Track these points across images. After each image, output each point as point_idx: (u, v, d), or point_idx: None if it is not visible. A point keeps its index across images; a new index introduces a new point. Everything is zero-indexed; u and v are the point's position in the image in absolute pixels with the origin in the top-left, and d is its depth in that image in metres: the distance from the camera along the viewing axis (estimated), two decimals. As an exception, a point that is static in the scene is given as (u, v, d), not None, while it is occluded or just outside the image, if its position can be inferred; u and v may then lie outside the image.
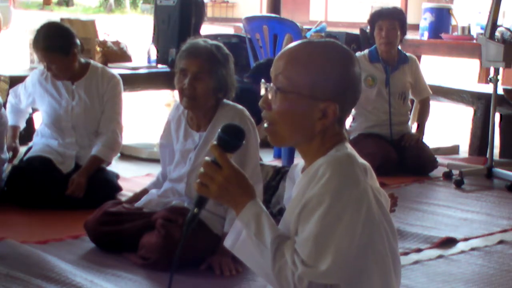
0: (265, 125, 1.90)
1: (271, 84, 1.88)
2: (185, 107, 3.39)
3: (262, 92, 1.91)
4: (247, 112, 3.41)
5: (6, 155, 4.25)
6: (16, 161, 4.40)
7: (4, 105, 4.40)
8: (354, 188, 1.75)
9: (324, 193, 1.74)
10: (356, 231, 1.73)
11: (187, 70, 3.30)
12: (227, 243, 1.87)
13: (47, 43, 4.16)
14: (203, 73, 3.28)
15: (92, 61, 4.50)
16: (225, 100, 3.41)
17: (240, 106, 3.42)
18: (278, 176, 3.98)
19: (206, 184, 1.85)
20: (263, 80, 1.89)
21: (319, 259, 1.72)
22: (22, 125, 4.64)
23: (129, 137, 5.43)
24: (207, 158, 1.87)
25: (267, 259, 1.79)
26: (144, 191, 3.65)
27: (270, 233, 1.80)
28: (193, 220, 1.89)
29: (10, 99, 4.51)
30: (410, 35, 6.20)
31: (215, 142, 1.86)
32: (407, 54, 5.58)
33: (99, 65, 4.52)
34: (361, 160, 1.84)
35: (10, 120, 4.40)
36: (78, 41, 4.28)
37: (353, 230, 1.73)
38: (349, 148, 1.86)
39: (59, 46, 4.18)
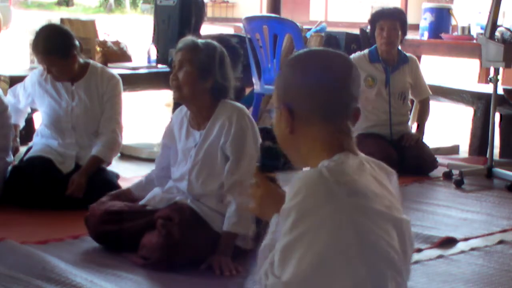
0: None
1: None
2: (174, 99, 3.47)
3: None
4: (246, 110, 3.44)
5: (11, 157, 4.26)
6: (16, 161, 4.40)
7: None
8: (318, 209, 1.75)
9: (290, 210, 1.78)
10: (316, 252, 1.74)
11: (174, 63, 3.39)
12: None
13: (46, 46, 4.16)
14: (185, 61, 3.35)
15: (91, 61, 4.49)
16: (227, 100, 3.43)
17: (239, 104, 3.45)
18: None
19: (253, 203, 2.02)
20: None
21: (283, 270, 1.77)
22: (22, 123, 4.63)
23: (129, 137, 5.42)
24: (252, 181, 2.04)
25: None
26: (127, 191, 3.65)
27: (264, 243, 1.93)
28: (257, 238, 2.13)
29: (9, 98, 4.50)
30: (410, 35, 6.20)
31: (257, 164, 2.11)
32: (407, 54, 5.58)
33: (99, 65, 4.52)
34: (344, 176, 1.79)
35: (10, 118, 4.41)
36: (77, 42, 4.28)
37: (313, 251, 1.74)
38: (341, 161, 1.83)
39: (59, 49, 4.18)
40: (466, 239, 3.91)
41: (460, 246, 3.82)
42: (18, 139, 4.53)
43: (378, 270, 1.79)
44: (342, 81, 1.89)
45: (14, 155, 4.41)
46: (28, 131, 4.89)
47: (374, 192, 1.82)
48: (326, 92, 1.88)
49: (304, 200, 1.76)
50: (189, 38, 3.42)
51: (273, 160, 2.03)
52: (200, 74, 3.34)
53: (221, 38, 4.23)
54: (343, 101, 1.89)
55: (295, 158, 1.95)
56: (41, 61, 4.24)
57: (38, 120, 4.64)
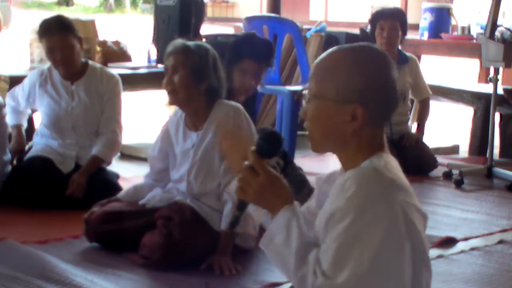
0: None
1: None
2: (170, 103, 3.46)
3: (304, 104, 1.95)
4: (242, 108, 3.45)
5: (9, 156, 4.25)
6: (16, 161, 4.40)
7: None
8: (376, 206, 1.75)
9: (348, 208, 1.76)
10: (374, 250, 1.73)
11: (167, 67, 3.38)
12: (262, 243, 1.92)
13: (61, 26, 4.22)
14: (178, 65, 3.35)
15: (90, 61, 4.50)
16: (223, 100, 3.44)
17: (236, 103, 3.46)
18: None
19: (244, 188, 1.90)
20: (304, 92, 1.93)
21: (337, 271, 1.74)
22: (25, 123, 4.62)
23: (129, 137, 5.43)
24: (247, 162, 1.91)
25: (292, 265, 1.84)
26: (115, 199, 3.62)
27: (297, 242, 1.84)
28: (236, 222, 2.01)
29: (9, 101, 4.47)
30: (410, 35, 6.20)
31: (254, 148, 1.91)
32: (407, 54, 5.58)
33: (98, 65, 4.53)
34: (392, 174, 1.82)
35: (12, 120, 4.40)
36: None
37: (371, 250, 1.73)
38: (384, 160, 1.84)
39: (72, 29, 4.25)
40: (466, 239, 3.91)
41: (460, 246, 3.82)
42: (24, 140, 4.50)
43: (419, 269, 1.81)
44: (393, 80, 1.89)
45: (21, 156, 4.39)
46: (28, 131, 4.88)
47: (412, 191, 1.85)
48: (388, 91, 1.88)
49: (360, 198, 1.75)
50: (179, 41, 3.42)
51: (272, 146, 1.94)
52: (195, 76, 3.34)
53: (251, 34, 4.18)
54: (394, 100, 1.91)
55: (335, 153, 1.90)
56: (53, 43, 4.19)
57: (38, 120, 4.64)
